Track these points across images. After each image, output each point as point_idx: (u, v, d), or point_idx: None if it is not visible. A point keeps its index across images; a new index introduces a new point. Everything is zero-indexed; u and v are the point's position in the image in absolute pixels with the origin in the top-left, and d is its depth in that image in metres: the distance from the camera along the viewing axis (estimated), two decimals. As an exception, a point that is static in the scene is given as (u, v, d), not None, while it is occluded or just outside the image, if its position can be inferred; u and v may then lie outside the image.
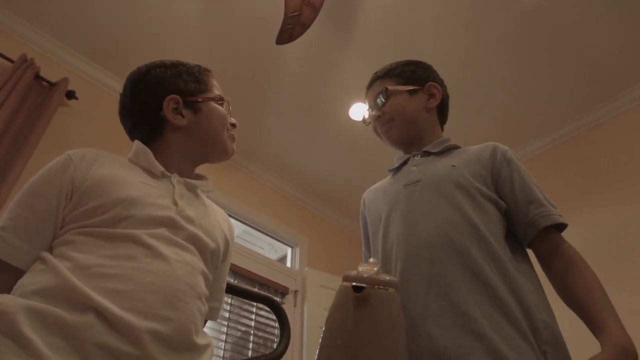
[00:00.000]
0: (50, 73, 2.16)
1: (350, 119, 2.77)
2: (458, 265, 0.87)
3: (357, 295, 0.73)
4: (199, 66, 1.01)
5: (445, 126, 1.22)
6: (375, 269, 0.77)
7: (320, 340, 0.75)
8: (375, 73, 1.20)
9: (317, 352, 0.74)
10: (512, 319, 0.80)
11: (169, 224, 0.79)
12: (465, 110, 2.66)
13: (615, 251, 2.21)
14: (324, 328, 0.75)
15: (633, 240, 2.19)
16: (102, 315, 0.64)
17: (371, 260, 0.82)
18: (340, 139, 2.91)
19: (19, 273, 0.72)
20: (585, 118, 2.69)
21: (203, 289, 0.80)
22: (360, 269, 0.78)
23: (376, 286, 0.74)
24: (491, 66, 2.44)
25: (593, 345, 0.78)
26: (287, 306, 2.74)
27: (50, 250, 0.75)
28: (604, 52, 2.35)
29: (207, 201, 0.97)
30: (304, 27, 1.98)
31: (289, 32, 1.96)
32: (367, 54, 2.40)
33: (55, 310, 0.62)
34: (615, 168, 2.46)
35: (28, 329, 0.60)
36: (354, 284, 0.74)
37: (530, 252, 0.98)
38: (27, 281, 0.68)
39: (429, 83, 1.16)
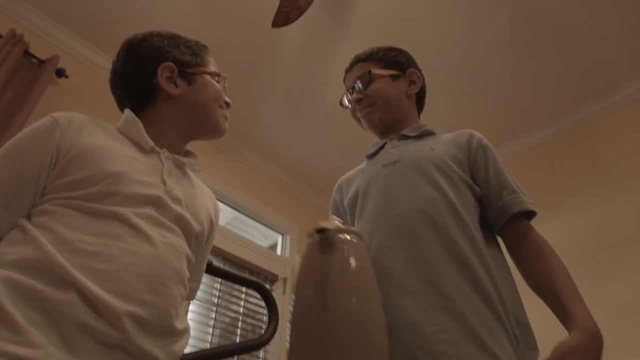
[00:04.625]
0: (40, 50, 2.11)
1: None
2: (436, 244, 0.86)
3: (322, 239, 0.72)
4: (197, 41, 0.99)
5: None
6: (337, 222, 0.77)
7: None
8: (357, 55, 1.19)
9: (291, 314, 0.73)
10: (489, 300, 0.80)
11: (156, 203, 0.76)
12: (459, 104, 2.65)
13: (609, 244, 2.23)
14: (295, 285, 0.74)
15: (627, 234, 2.20)
16: (83, 294, 0.61)
17: (334, 217, 0.81)
18: (335, 126, 2.88)
19: None
20: (580, 113, 2.68)
21: (186, 272, 0.78)
22: (322, 222, 0.77)
23: (339, 233, 0.74)
24: (486, 60, 2.42)
25: (561, 334, 0.77)
26: (276, 293, 2.73)
27: (28, 217, 0.71)
28: (599, 48, 2.34)
29: (195, 180, 0.94)
30: (301, 11, 1.95)
31: (286, 14, 1.93)
32: (363, 41, 2.36)
33: (35, 284, 0.60)
34: (610, 162, 2.47)
35: (7, 302, 0.57)
36: (317, 228, 0.73)
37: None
38: (3, 250, 0.65)
39: (410, 69, 1.15)
